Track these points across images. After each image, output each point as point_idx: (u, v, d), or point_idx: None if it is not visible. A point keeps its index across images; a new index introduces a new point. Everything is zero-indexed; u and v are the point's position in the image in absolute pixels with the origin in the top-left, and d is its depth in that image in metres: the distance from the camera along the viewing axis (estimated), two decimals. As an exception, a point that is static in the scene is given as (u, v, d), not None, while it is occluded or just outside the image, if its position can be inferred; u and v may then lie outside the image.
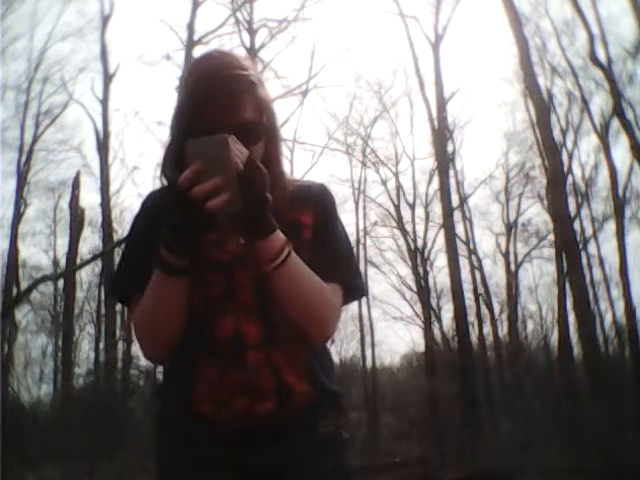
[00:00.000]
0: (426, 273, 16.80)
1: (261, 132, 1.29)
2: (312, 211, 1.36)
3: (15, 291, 13.45)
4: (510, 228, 19.18)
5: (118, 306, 17.45)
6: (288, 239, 1.21)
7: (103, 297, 16.20)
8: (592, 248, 16.10)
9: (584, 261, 14.10)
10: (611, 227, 15.23)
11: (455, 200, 15.59)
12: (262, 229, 1.17)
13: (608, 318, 15.56)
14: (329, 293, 1.28)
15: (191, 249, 1.17)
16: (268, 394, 1.25)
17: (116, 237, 16.51)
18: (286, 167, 1.42)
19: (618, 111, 13.22)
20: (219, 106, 1.22)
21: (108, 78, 15.72)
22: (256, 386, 1.25)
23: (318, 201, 1.39)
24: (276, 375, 1.26)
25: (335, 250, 1.36)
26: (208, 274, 1.28)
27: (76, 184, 16.45)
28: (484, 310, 16.60)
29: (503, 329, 18.03)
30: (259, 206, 1.14)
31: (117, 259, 17.11)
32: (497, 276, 18.43)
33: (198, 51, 15.52)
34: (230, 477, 1.26)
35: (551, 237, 16.58)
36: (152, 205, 1.38)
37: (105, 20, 15.88)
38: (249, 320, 1.27)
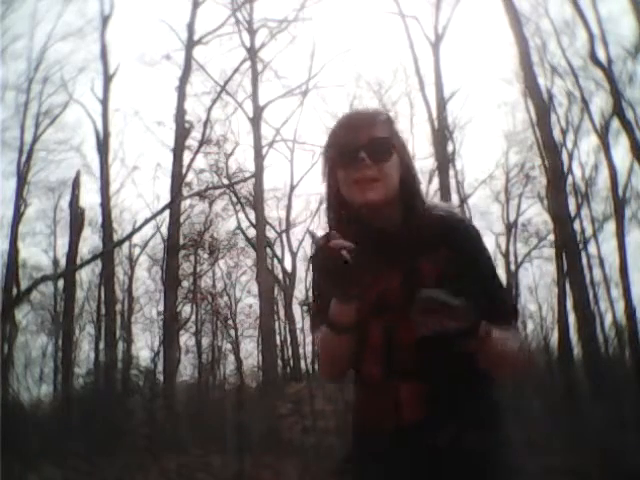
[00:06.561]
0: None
1: (390, 148, 1.46)
2: (440, 257, 1.44)
3: (15, 291, 13.43)
4: (510, 228, 19.20)
5: (118, 306, 17.53)
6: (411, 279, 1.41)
7: (103, 297, 16.18)
8: (592, 248, 16.12)
9: (584, 261, 14.10)
10: (611, 227, 15.24)
11: (455, 200, 15.60)
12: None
13: (608, 318, 15.58)
14: (520, 342, 1.49)
15: (351, 291, 1.36)
16: (392, 414, 1.48)
17: (116, 237, 16.51)
18: (422, 197, 1.55)
19: (618, 111, 13.22)
20: (354, 126, 1.47)
21: (108, 78, 15.70)
22: (388, 408, 1.48)
23: (450, 243, 1.45)
24: (399, 401, 1.47)
25: (483, 293, 1.43)
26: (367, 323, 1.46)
27: (76, 184, 16.42)
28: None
29: (503, 329, 18.01)
30: None
31: (117, 259, 17.17)
32: (497, 276, 18.43)
33: (198, 51, 15.60)
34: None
35: (551, 237, 16.60)
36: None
37: (105, 20, 15.87)
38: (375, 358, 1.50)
